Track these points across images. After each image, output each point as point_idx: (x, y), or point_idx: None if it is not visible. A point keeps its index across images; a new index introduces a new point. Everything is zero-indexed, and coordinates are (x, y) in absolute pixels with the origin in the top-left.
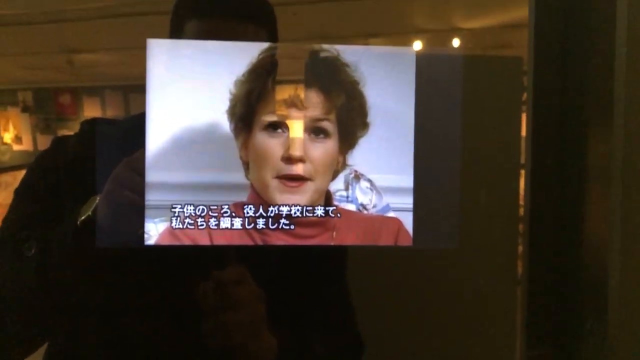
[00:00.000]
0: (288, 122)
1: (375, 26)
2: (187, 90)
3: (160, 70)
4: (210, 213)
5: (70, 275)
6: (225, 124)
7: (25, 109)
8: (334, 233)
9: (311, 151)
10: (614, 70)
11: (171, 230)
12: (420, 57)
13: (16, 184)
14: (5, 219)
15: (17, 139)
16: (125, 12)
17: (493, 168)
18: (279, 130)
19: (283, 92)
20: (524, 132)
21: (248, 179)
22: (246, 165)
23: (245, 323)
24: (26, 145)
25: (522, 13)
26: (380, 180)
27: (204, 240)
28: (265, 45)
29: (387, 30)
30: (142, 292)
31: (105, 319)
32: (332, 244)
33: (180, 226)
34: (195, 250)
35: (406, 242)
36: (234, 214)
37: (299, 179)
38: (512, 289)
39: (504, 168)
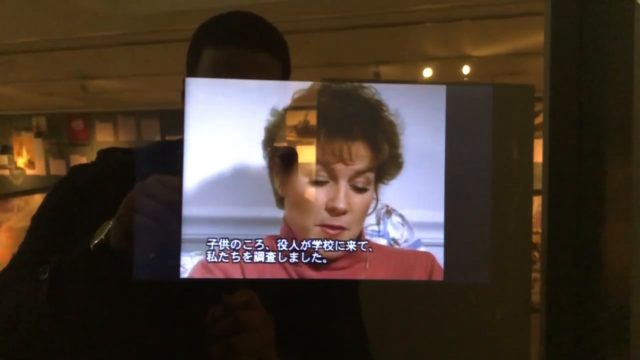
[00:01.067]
0: (334, 174)
1: (386, 54)
2: (224, 127)
3: (198, 108)
4: (244, 247)
5: (83, 298)
6: (259, 161)
7: (38, 134)
8: (367, 264)
9: (353, 202)
10: (632, 97)
11: (204, 264)
12: (449, 93)
13: (28, 207)
14: (22, 244)
15: (30, 164)
16: (138, 41)
17: (506, 195)
18: (324, 179)
19: (332, 144)
20: (535, 159)
21: (280, 209)
22: (279, 198)
23: (253, 347)
24: (39, 170)
25: (531, 41)
26: (411, 215)
27: (237, 274)
28: (301, 84)
29: (398, 57)
30: (153, 316)
31: (116, 341)
32: (364, 276)
33: (215, 260)
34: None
35: (439, 277)
36: (267, 248)
37: (340, 228)
38: (525, 316)
39: (518, 195)
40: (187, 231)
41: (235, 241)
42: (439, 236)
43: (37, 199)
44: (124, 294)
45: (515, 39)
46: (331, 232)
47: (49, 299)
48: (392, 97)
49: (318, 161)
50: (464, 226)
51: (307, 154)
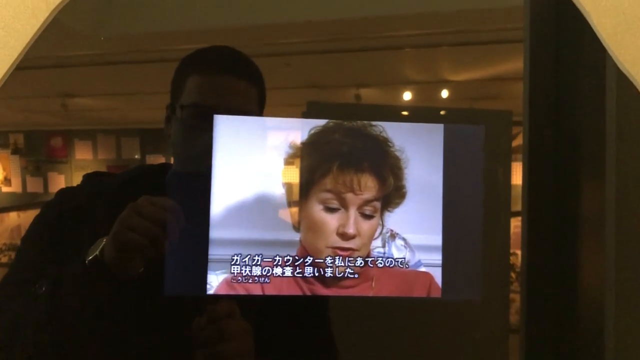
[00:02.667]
0: (345, 202)
1: (367, 77)
2: (247, 159)
3: (225, 141)
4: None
5: (79, 310)
6: (279, 189)
7: (15, 151)
8: (373, 283)
9: (361, 227)
10: (605, 121)
11: (228, 281)
12: (446, 132)
13: (2, 225)
14: (13, 264)
15: (6, 181)
16: (119, 60)
17: (489, 217)
18: (336, 207)
19: (344, 175)
20: (514, 181)
21: (297, 232)
22: (296, 223)
23: (235, 354)
24: (15, 187)
25: (507, 67)
26: (413, 238)
27: (257, 291)
28: (317, 122)
29: (378, 81)
30: (144, 327)
31: (110, 351)
32: (371, 293)
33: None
34: None
35: (436, 294)
36: (285, 264)
37: (350, 250)
38: (504, 336)
39: (498, 216)
40: (214, 252)
41: (257, 260)
42: (437, 257)
43: (13, 216)
44: (118, 307)
45: (491, 65)
46: (342, 253)
47: (48, 311)
48: (397, 134)
49: (331, 190)
50: (459, 248)
51: (290, 174)
